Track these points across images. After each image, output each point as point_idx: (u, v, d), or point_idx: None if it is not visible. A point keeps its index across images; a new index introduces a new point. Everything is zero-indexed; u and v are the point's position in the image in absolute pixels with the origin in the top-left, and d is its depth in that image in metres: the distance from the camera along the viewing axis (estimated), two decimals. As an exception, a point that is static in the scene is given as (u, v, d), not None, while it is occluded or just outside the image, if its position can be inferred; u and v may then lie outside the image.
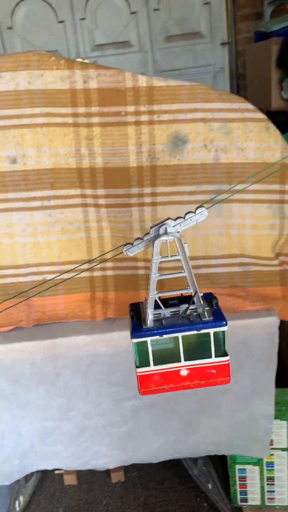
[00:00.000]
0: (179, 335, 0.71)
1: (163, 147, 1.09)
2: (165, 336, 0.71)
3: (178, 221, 0.70)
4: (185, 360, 0.72)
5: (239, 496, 1.56)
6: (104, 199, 1.11)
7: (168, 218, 0.70)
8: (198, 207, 0.70)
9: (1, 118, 1.07)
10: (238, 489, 1.55)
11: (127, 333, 0.94)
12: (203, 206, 0.71)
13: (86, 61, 3.26)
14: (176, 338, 0.71)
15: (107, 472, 1.74)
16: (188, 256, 0.71)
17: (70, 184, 1.11)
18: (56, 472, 1.76)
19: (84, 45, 3.41)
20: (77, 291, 1.18)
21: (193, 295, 0.73)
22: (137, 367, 0.73)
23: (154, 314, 0.73)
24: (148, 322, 0.72)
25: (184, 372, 0.73)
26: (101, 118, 1.08)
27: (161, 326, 0.71)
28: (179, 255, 0.71)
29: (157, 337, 0.71)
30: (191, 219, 0.70)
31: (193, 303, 0.73)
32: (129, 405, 1.15)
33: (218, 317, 0.72)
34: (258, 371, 1.13)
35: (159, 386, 0.74)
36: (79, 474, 1.76)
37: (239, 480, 1.54)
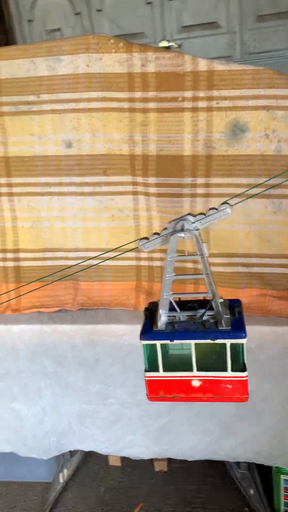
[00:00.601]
0: (192, 342, 0.66)
1: (220, 135, 1.03)
2: (175, 341, 0.67)
3: (199, 217, 0.65)
4: (198, 370, 0.68)
5: (283, 507, 1.48)
6: (155, 188, 1.08)
7: (189, 214, 0.65)
8: (222, 204, 0.64)
9: (59, 101, 1.07)
10: (283, 500, 1.47)
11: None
12: (228, 203, 0.65)
13: (171, 44, 3.21)
14: (188, 345, 0.67)
15: (151, 460, 1.75)
16: (207, 257, 0.66)
17: (122, 171, 1.09)
18: (103, 451, 1.80)
19: (170, 26, 3.35)
20: (124, 279, 1.17)
21: (211, 299, 0.68)
22: (145, 371, 0.70)
23: (169, 317, 0.69)
24: (160, 325, 0.68)
25: (196, 383, 0.68)
26: (157, 104, 1.04)
27: (173, 330, 0.67)
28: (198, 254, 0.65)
29: (167, 341, 0.67)
30: (212, 217, 0.64)
31: (211, 308, 0.68)
32: (166, 399, 1.13)
33: (238, 328, 0.66)
34: (305, 382, 1.05)
35: (169, 394, 0.70)
36: (123, 457, 1.79)
37: (285, 491, 1.46)
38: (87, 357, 1.12)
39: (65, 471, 1.64)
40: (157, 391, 0.70)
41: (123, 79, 1.04)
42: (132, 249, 0.71)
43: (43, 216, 1.16)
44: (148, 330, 0.68)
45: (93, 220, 1.14)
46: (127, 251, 0.77)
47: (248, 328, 1.00)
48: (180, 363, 0.68)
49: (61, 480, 1.63)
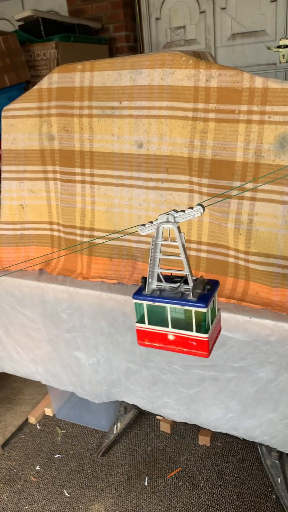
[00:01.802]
0: (168, 305, 0.83)
1: (269, 146, 1.14)
2: (156, 303, 0.84)
3: (180, 213, 0.81)
4: (172, 327, 0.85)
5: (309, 503, 1.55)
6: (207, 188, 1.23)
7: (174, 210, 0.82)
8: (197, 205, 0.79)
9: (136, 108, 1.28)
10: (308, 496, 1.54)
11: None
12: (201, 205, 0.79)
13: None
14: (165, 307, 0.84)
15: (197, 433, 1.92)
16: (183, 244, 0.81)
17: (181, 171, 1.26)
18: (157, 417, 2.02)
19: (293, 24, 3.31)
20: (173, 265, 1.35)
21: (188, 277, 0.83)
22: (136, 322, 0.89)
23: (157, 286, 0.86)
24: (147, 290, 0.86)
25: (171, 337, 0.86)
26: (216, 114, 1.18)
27: (156, 295, 0.85)
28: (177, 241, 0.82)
29: (150, 302, 0.85)
30: (188, 214, 0.80)
31: (187, 283, 0.84)
32: (196, 372, 1.29)
33: (202, 300, 0.81)
34: None
35: (152, 342, 0.88)
36: (174, 425, 1.99)
37: (310, 488, 1.52)
38: (133, 324, 1.33)
39: (118, 424, 1.89)
40: (143, 338, 0.89)
41: (190, 91, 1.20)
42: (133, 232, 0.90)
43: (115, 203, 1.38)
44: (139, 292, 0.87)
45: (154, 211, 1.33)
46: (130, 233, 0.96)
47: (270, 322, 1.14)
48: (160, 320, 0.86)
49: (115, 432, 1.88)
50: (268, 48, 3.42)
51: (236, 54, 3.56)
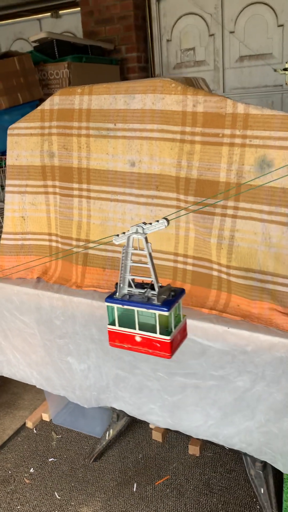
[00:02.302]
0: (135, 309, 0.91)
1: (250, 168, 1.22)
2: (125, 306, 0.92)
3: (147, 225, 0.89)
4: (140, 329, 0.92)
5: (291, 515, 1.58)
6: (192, 205, 1.31)
7: (143, 222, 0.90)
8: (162, 218, 0.87)
9: (129, 130, 1.37)
10: (290, 507, 1.57)
11: (190, 321, 1.17)
12: (166, 218, 0.87)
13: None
14: (133, 311, 0.91)
15: (188, 443, 1.96)
16: (150, 252, 0.89)
17: (169, 188, 1.35)
18: (150, 426, 2.07)
19: (299, 48, 3.41)
20: (163, 276, 1.42)
21: (154, 283, 0.91)
22: (108, 324, 0.96)
23: (128, 291, 0.94)
24: (118, 294, 0.94)
25: (138, 338, 0.93)
26: (202, 137, 1.27)
27: (126, 299, 0.92)
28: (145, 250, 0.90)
29: (120, 305, 0.93)
30: (154, 226, 0.88)
31: (154, 289, 0.91)
32: (178, 380, 1.35)
33: (165, 304, 0.89)
34: (293, 391, 1.18)
35: (121, 343, 0.95)
36: (166, 434, 2.04)
37: (292, 499, 1.56)
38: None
39: (111, 431, 1.95)
40: (114, 339, 0.97)
41: (178, 115, 1.29)
42: (109, 241, 0.98)
43: (109, 217, 1.47)
44: (111, 296, 0.95)
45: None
46: (105, 243, 1.04)
47: (246, 333, 1.20)
48: (129, 323, 0.94)
49: (107, 438, 1.94)
50: (275, 70, 3.52)
51: (243, 76, 3.66)
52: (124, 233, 0.93)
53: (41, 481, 1.87)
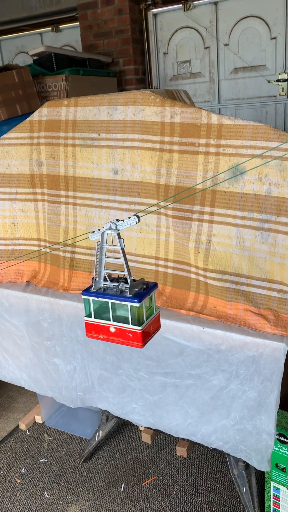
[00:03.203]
0: (109, 301, 0.97)
1: (224, 175, 1.28)
2: (100, 299, 0.97)
3: (120, 222, 0.95)
4: (113, 320, 0.98)
5: (273, 513, 1.61)
6: (171, 211, 1.37)
7: (117, 219, 0.96)
8: (134, 215, 0.93)
9: (112, 140, 1.44)
10: (272, 506, 1.60)
11: (164, 321, 1.23)
12: (137, 215, 0.93)
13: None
14: (107, 303, 0.97)
15: (175, 445, 2.00)
16: (123, 248, 0.95)
17: (150, 195, 1.41)
18: (141, 428, 2.11)
19: (291, 60, 3.49)
20: (145, 279, 1.48)
21: (127, 277, 0.96)
22: (85, 316, 1.02)
23: (104, 284, 1.00)
24: (94, 287, 1.00)
25: (112, 329, 0.98)
26: (180, 147, 1.33)
27: (101, 292, 0.98)
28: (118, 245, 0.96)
29: (95, 298, 0.98)
30: (126, 223, 0.94)
31: (127, 282, 0.97)
32: (159, 379, 1.40)
33: (136, 297, 0.94)
34: (265, 389, 1.22)
35: (97, 334, 1.01)
36: (155, 436, 2.08)
37: (273, 498, 1.59)
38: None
39: (100, 432, 1.99)
40: (90, 331, 1.02)
41: (157, 126, 1.36)
42: (86, 238, 1.04)
43: (94, 223, 1.53)
44: (88, 290, 1.01)
45: (128, 230, 1.47)
46: (82, 240, 1.11)
47: (221, 332, 1.26)
48: (104, 314, 0.99)
49: (96, 439, 1.99)
50: (268, 81, 3.59)
51: (238, 87, 3.74)
52: (99, 229, 0.99)
53: (32, 481, 1.91)
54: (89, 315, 1.03)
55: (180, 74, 3.95)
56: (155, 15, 3.88)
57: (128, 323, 0.97)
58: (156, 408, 1.45)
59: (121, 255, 0.96)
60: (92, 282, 1.02)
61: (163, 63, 3.99)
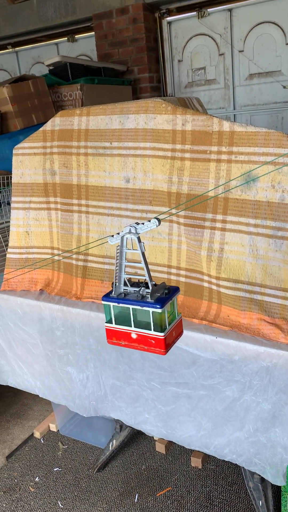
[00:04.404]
0: (130, 307, 0.95)
1: (236, 182, 1.27)
2: (120, 305, 0.96)
3: (140, 226, 0.93)
4: (135, 326, 0.96)
5: (291, 529, 1.57)
6: (183, 219, 1.36)
7: (136, 222, 0.94)
8: (153, 218, 0.92)
9: (124, 148, 1.44)
10: (289, 521, 1.56)
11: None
12: (157, 218, 0.92)
13: None
14: (129, 309, 0.95)
15: (190, 456, 1.97)
16: (143, 252, 0.93)
17: (162, 203, 1.40)
18: (155, 438, 2.09)
19: (307, 65, 3.46)
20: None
21: (148, 282, 0.95)
22: (105, 322, 1.00)
23: (124, 289, 0.98)
24: (114, 293, 0.98)
25: (134, 336, 0.97)
26: (191, 154, 1.32)
27: (122, 298, 0.97)
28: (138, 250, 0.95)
29: (116, 304, 0.97)
30: (146, 226, 0.92)
31: (148, 287, 0.96)
32: (171, 390, 1.38)
33: (158, 302, 0.92)
34: (279, 401, 1.19)
35: (118, 340, 0.99)
36: (170, 446, 2.05)
37: (290, 512, 1.55)
38: (118, 342, 1.45)
39: (114, 441, 1.98)
40: (111, 337, 1.00)
41: (169, 134, 1.35)
42: (104, 242, 1.03)
43: (107, 231, 1.53)
44: (108, 295, 0.99)
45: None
46: (100, 244, 1.11)
47: (234, 342, 1.24)
48: (125, 320, 0.98)
49: (110, 448, 1.97)
50: (284, 87, 3.57)
51: (253, 93, 3.72)
52: (118, 233, 0.98)
53: (46, 490, 1.91)
54: (109, 321, 1.01)
55: (195, 81, 3.95)
56: (169, 23, 3.89)
57: (150, 329, 0.95)
58: (169, 419, 1.43)
59: (141, 258, 0.95)
60: (112, 287, 1.01)
61: (177, 71, 4.00)
